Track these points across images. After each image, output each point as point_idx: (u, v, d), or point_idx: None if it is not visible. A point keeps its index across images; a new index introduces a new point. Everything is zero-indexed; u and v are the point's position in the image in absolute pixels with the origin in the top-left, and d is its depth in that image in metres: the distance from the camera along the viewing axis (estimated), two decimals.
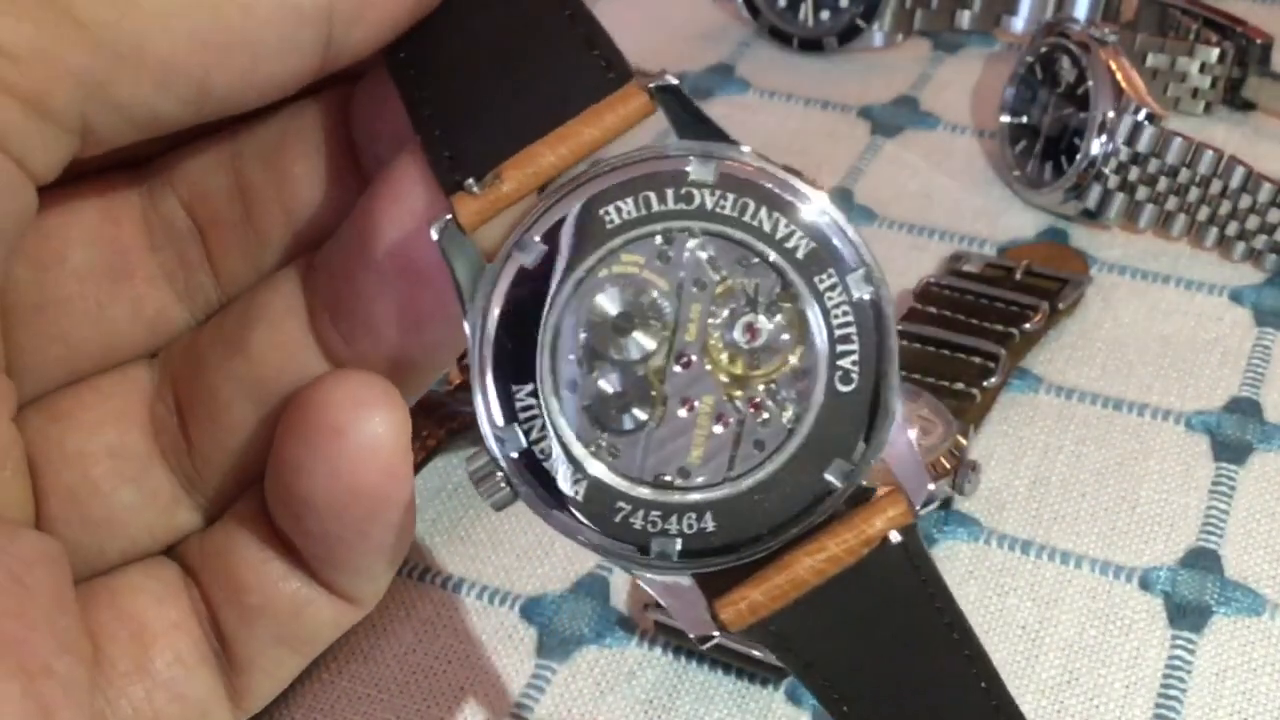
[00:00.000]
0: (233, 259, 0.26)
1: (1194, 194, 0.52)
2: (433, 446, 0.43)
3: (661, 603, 0.24)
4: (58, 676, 0.23)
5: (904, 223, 0.56)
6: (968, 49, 0.66)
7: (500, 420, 0.23)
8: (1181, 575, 0.42)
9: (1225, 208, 0.52)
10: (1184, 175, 0.52)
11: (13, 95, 0.21)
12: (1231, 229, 0.53)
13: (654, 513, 0.23)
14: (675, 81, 0.23)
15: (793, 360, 0.23)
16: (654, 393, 0.23)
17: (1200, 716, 0.39)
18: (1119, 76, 0.52)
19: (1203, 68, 0.59)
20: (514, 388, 0.23)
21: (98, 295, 0.26)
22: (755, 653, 0.39)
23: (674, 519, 0.23)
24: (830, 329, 0.23)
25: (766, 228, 0.23)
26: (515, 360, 0.23)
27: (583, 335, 0.23)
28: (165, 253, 0.26)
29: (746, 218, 0.23)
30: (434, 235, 0.23)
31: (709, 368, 0.23)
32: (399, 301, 0.24)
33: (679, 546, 0.23)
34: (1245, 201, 0.52)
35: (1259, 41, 0.59)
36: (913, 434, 0.23)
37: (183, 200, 0.26)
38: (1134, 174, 0.53)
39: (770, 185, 0.23)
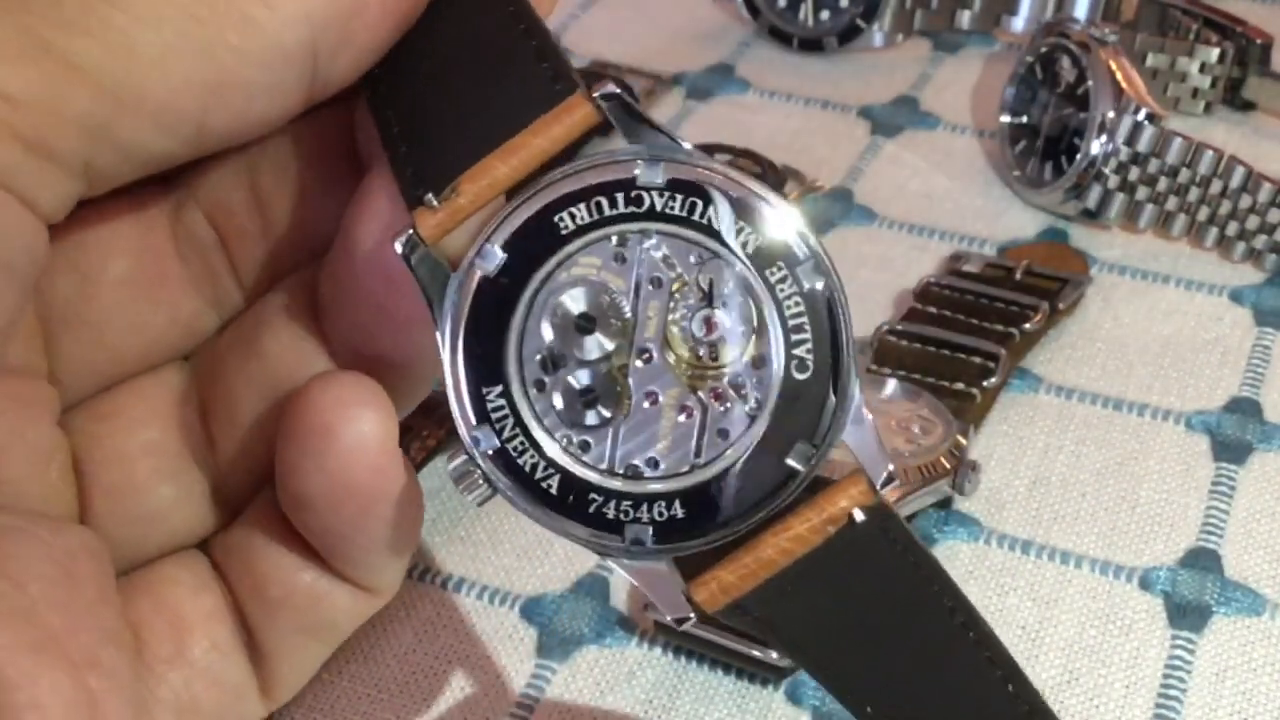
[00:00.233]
0: (253, 265, 0.28)
1: (1194, 194, 0.52)
2: (433, 446, 0.43)
3: (639, 587, 0.25)
4: (103, 667, 0.24)
5: (904, 223, 0.56)
6: (968, 49, 0.66)
7: (474, 420, 0.24)
8: (1181, 575, 0.42)
9: (1225, 208, 0.52)
10: (1184, 175, 0.52)
11: (17, 140, 0.22)
12: (1231, 229, 0.53)
13: (625, 502, 0.24)
14: (617, 90, 0.24)
15: (750, 351, 0.24)
16: (619, 388, 0.24)
17: (1200, 716, 0.39)
18: (1119, 76, 0.52)
19: (1203, 68, 0.59)
20: (485, 389, 0.24)
21: (136, 304, 0.27)
22: (755, 652, 0.39)
23: (644, 507, 0.24)
24: (784, 319, 0.24)
25: (716, 225, 0.24)
26: (484, 363, 0.24)
27: (546, 337, 0.24)
28: (193, 262, 0.27)
29: (695, 216, 0.24)
30: (398, 249, 0.24)
31: (670, 361, 0.24)
32: (381, 308, 0.25)
33: (651, 533, 0.24)
34: (1245, 201, 0.52)
35: (1259, 41, 0.59)
36: (870, 416, 0.24)
37: (205, 212, 0.27)
38: (1134, 174, 0.53)
39: (717, 183, 0.24)
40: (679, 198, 0.24)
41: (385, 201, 0.25)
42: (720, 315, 0.24)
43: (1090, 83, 0.53)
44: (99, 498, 0.27)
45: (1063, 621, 0.41)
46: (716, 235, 0.24)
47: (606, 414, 0.24)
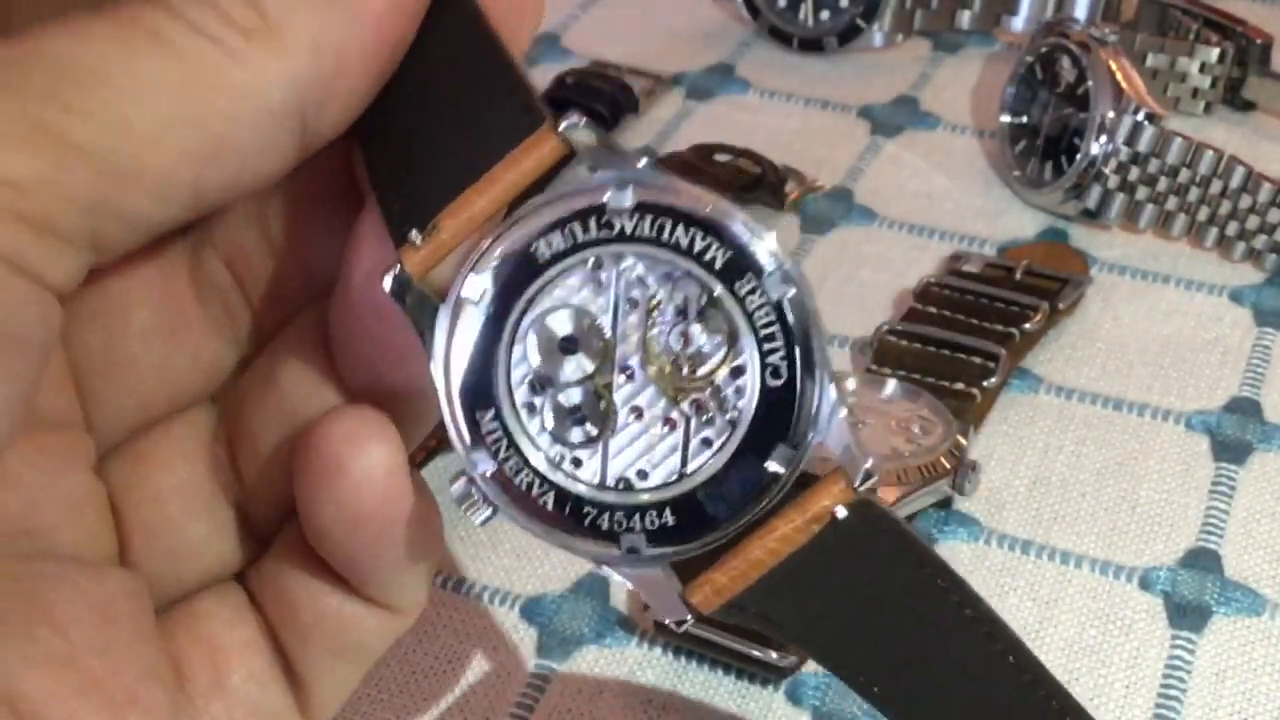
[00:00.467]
0: (269, 305, 0.29)
1: (1194, 194, 0.52)
2: (433, 447, 0.44)
3: (639, 593, 0.26)
4: (142, 703, 0.26)
5: (904, 223, 0.56)
6: (968, 49, 0.66)
7: (470, 444, 0.25)
8: (1181, 575, 0.42)
9: (1225, 208, 0.52)
10: (1184, 175, 0.52)
11: (23, 221, 0.23)
12: (1231, 229, 0.53)
13: (619, 513, 0.25)
14: (581, 120, 0.25)
15: (727, 361, 0.25)
16: (605, 405, 0.25)
17: (1200, 716, 0.39)
18: (1119, 76, 0.52)
19: (1203, 68, 0.59)
20: (478, 414, 0.25)
21: (161, 350, 0.28)
22: (755, 652, 0.39)
23: (637, 517, 0.25)
24: (755, 329, 0.25)
25: (684, 243, 0.24)
26: (476, 389, 0.25)
27: (533, 360, 0.25)
28: (213, 306, 0.29)
29: (665, 237, 0.25)
30: (386, 286, 0.25)
31: (652, 377, 0.25)
32: (380, 342, 0.27)
33: (645, 541, 0.25)
34: (1245, 201, 0.52)
35: (1259, 41, 0.59)
36: (843, 413, 0.24)
37: (221, 256, 0.29)
38: (1134, 174, 0.53)
39: (683, 204, 0.25)
40: (648, 219, 0.25)
41: (375, 241, 0.26)
42: (695, 329, 0.25)
43: (1090, 83, 0.53)
44: (136, 538, 0.28)
45: (1063, 621, 0.41)
46: (686, 253, 0.25)
47: (595, 431, 0.25)
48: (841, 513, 0.25)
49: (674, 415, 0.25)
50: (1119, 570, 0.43)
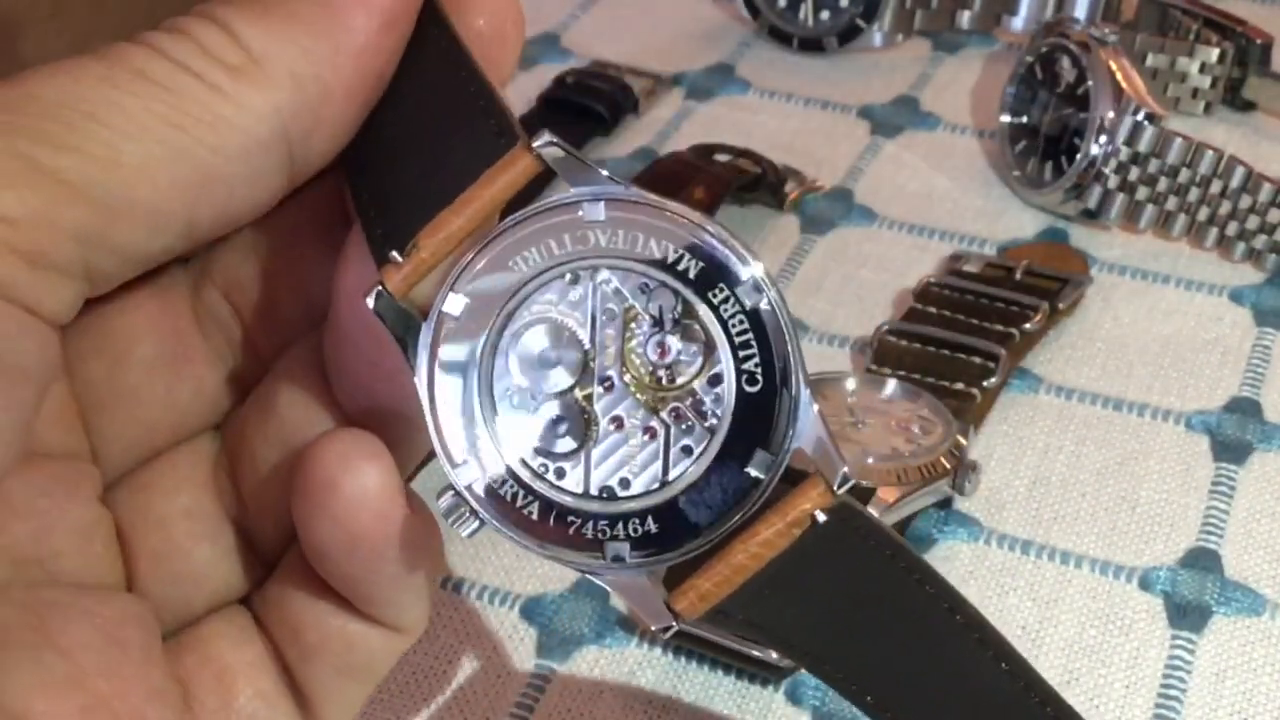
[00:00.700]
0: (269, 334, 0.29)
1: (1194, 194, 0.52)
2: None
3: (624, 599, 0.27)
4: None
5: (904, 223, 0.56)
6: (968, 49, 0.66)
7: (457, 458, 0.26)
8: (1181, 575, 0.42)
9: (1225, 208, 0.52)
10: (1184, 175, 0.52)
11: (17, 255, 0.23)
12: (1231, 229, 0.53)
13: (602, 522, 0.26)
14: (553, 139, 0.25)
15: (704, 370, 0.25)
16: (586, 416, 0.26)
17: (1200, 716, 0.39)
18: (1119, 76, 0.52)
19: (1203, 68, 0.59)
20: (463, 428, 0.26)
21: (165, 382, 0.29)
22: (755, 652, 0.39)
23: (621, 525, 0.26)
24: (730, 338, 0.25)
25: (657, 255, 0.25)
26: (460, 403, 0.26)
27: (513, 374, 0.26)
28: (214, 336, 0.29)
29: (638, 249, 0.25)
30: (370, 304, 0.26)
31: (631, 387, 0.26)
32: (371, 362, 0.27)
33: (629, 549, 0.26)
34: (1245, 201, 0.52)
35: (1259, 41, 0.59)
36: (817, 411, 0.25)
37: (220, 289, 0.29)
38: (1134, 174, 0.53)
39: (654, 216, 0.25)
40: (621, 232, 0.25)
41: (361, 263, 0.27)
42: (671, 339, 0.26)
43: (1090, 83, 0.53)
44: (143, 564, 0.29)
45: (1063, 621, 0.41)
46: (660, 264, 0.25)
47: (577, 441, 0.26)
48: (821, 517, 0.25)
49: (654, 424, 0.26)
50: (1119, 570, 0.43)
